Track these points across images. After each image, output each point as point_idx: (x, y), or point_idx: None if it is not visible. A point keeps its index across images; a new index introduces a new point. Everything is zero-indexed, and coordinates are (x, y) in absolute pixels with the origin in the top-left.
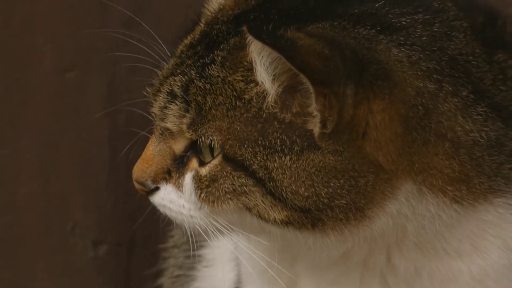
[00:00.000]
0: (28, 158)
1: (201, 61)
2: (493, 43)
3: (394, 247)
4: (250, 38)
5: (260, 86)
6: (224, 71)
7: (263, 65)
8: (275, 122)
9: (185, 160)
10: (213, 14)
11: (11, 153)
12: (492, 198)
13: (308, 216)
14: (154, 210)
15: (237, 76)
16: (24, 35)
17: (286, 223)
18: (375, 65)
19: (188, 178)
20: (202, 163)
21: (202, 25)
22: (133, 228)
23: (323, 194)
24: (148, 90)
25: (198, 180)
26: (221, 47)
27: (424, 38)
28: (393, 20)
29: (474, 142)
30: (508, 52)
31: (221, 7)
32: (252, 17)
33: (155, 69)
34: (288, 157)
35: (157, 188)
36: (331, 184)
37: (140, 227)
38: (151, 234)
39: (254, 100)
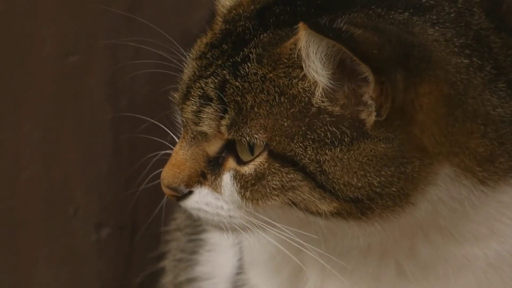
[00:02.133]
0: (30, 142)
1: (232, 60)
2: (498, 26)
3: (420, 233)
4: (304, 32)
5: (306, 81)
6: (263, 68)
7: (319, 59)
8: (324, 115)
9: (221, 160)
10: (233, 11)
11: (13, 137)
12: (510, 179)
13: (358, 205)
14: (156, 193)
15: (278, 73)
16: (27, 19)
17: (334, 214)
18: (417, 47)
19: (227, 178)
20: (240, 162)
21: (220, 23)
22: (136, 212)
23: (375, 183)
24: (175, 95)
25: (240, 179)
26: (252, 44)
27: (452, 15)
28: (423, 0)
29: (500, 118)
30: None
31: (238, 2)
32: (277, 10)
33: (159, 51)
34: (338, 149)
35: (190, 192)
36: (383, 173)
37: (143, 210)
38: (154, 217)
39: (301, 94)
